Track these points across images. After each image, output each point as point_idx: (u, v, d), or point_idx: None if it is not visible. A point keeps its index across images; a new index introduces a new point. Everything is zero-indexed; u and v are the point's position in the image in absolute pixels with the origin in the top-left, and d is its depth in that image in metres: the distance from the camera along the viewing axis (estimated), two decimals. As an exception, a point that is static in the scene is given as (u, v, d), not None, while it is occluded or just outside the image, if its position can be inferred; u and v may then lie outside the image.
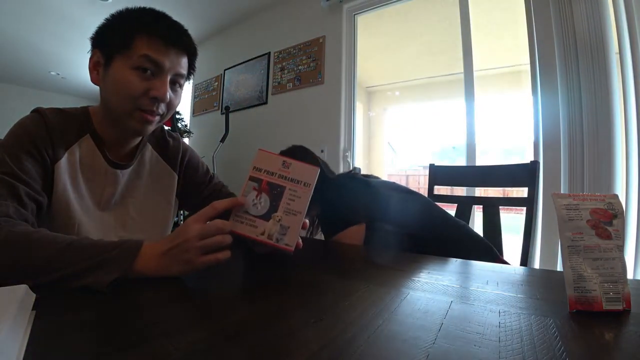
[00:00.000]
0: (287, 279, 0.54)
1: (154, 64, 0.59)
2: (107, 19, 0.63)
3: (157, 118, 0.64)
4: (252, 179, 0.53)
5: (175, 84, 0.65)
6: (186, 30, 0.65)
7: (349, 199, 0.92)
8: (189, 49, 0.65)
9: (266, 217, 0.52)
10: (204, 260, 0.47)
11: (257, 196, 0.52)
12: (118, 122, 0.64)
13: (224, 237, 0.49)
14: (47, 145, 0.59)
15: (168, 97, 0.62)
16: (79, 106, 0.69)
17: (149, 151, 0.76)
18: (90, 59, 0.63)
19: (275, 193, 0.52)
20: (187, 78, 0.68)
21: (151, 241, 0.48)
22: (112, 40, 0.60)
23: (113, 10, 0.63)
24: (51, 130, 0.60)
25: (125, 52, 0.59)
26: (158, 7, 0.64)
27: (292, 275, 0.56)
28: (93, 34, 0.63)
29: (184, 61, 0.65)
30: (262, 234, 0.51)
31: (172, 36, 0.61)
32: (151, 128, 0.65)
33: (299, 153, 1.02)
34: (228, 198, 0.52)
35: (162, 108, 0.64)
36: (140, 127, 0.63)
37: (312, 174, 0.54)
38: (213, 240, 0.48)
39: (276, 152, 0.55)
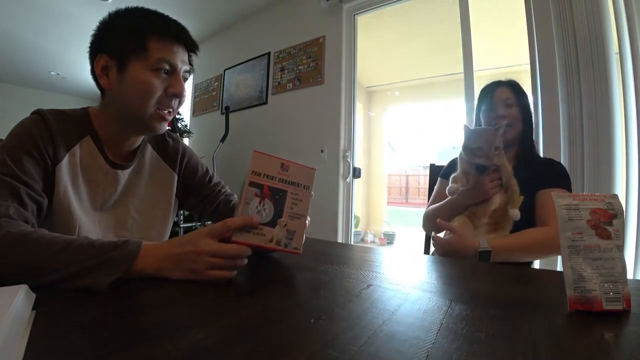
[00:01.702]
0: (288, 279, 0.54)
1: (169, 64, 0.63)
2: (104, 24, 0.63)
3: (170, 115, 0.68)
4: (252, 184, 0.51)
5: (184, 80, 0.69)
6: (186, 28, 0.67)
7: (555, 165, 1.02)
8: (191, 45, 0.68)
9: (272, 223, 0.51)
10: (211, 274, 0.47)
11: (260, 202, 0.51)
12: (132, 123, 0.66)
13: (242, 261, 0.49)
14: (49, 146, 0.59)
15: (184, 92, 0.66)
16: (78, 106, 0.69)
17: (149, 151, 0.76)
18: (97, 64, 0.63)
19: (277, 198, 0.52)
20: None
21: (151, 241, 0.48)
22: (123, 44, 0.61)
23: (113, 10, 0.63)
24: (53, 131, 0.60)
25: (142, 54, 0.61)
26: (159, 7, 0.65)
27: (293, 275, 0.56)
28: (94, 39, 0.64)
29: (187, 57, 0.68)
30: (271, 241, 0.51)
31: (180, 35, 0.65)
32: (166, 125, 0.69)
33: None
34: (239, 216, 0.50)
35: (175, 103, 0.68)
36: (159, 125, 0.67)
37: (310, 176, 0.54)
38: (228, 262, 0.48)
39: (273, 154, 0.53)
